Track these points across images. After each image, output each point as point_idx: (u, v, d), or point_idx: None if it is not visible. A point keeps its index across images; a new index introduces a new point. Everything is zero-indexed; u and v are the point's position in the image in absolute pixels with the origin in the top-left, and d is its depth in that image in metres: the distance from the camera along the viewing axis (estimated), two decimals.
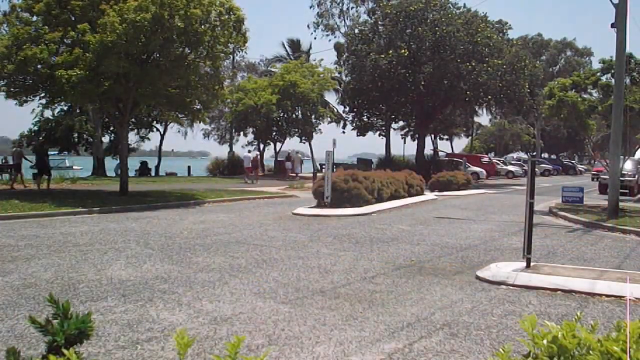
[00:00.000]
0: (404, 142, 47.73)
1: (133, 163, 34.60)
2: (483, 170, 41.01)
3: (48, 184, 19.97)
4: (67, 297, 6.01)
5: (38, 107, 28.61)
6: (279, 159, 43.20)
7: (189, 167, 41.75)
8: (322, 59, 50.77)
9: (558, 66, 65.45)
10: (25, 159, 22.85)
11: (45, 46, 16.61)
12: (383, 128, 42.96)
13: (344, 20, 48.48)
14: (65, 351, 1.46)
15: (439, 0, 35.58)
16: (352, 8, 47.91)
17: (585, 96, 21.98)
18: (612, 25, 15.30)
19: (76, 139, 39.45)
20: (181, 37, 16.80)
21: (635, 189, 25.45)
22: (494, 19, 38.47)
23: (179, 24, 16.25)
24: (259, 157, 36.12)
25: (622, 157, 17.40)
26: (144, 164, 40.77)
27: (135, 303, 5.99)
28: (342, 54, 46.05)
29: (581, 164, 67.93)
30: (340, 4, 47.95)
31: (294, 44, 50.72)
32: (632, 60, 19.77)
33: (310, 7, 48.16)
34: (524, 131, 70.71)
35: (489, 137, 75.39)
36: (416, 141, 41.61)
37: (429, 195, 22.13)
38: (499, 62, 33.70)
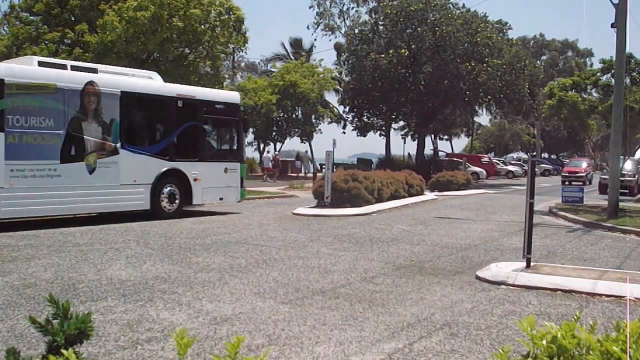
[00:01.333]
0: (404, 142, 47.77)
1: None
2: (483, 170, 41.03)
3: None
4: (67, 297, 6.01)
5: None
6: (280, 158, 43.27)
7: None
8: (322, 59, 50.87)
9: (560, 66, 65.46)
10: None
11: (45, 46, 16.65)
12: (383, 128, 42.97)
13: (344, 21, 48.51)
14: (64, 351, 1.46)
15: (439, 0, 35.60)
16: (352, 8, 47.95)
17: (585, 96, 22.01)
18: (612, 25, 15.31)
19: None
20: (181, 37, 16.83)
21: (635, 189, 25.45)
22: (494, 19, 38.53)
23: (178, 24, 16.28)
24: (279, 157, 36.83)
25: (622, 157, 17.41)
26: None
27: (135, 303, 5.99)
28: (342, 54, 46.07)
29: None
30: (340, 4, 47.98)
31: (296, 43, 50.71)
32: (632, 60, 19.79)
33: (310, 8, 48.11)
34: (524, 131, 70.72)
35: (489, 137, 75.39)
36: (416, 141, 41.63)
37: (429, 195, 22.14)
38: (499, 62, 33.71)
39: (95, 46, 16.12)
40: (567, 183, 32.71)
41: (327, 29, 48.57)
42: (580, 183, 32.73)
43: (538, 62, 52.01)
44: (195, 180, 14.25)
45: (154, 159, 13.65)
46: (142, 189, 13.32)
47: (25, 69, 12.12)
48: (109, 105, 12.93)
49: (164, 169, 13.75)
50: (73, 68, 13.09)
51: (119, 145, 13.07)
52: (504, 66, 34.03)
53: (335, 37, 49.23)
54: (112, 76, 13.50)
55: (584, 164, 37.76)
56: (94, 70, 13.42)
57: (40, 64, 12.60)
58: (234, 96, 16.29)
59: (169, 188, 13.87)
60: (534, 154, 58.11)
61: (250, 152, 42.62)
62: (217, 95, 15.80)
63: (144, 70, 15.60)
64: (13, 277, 7.12)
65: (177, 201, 14.09)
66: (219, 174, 14.91)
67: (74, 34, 16.92)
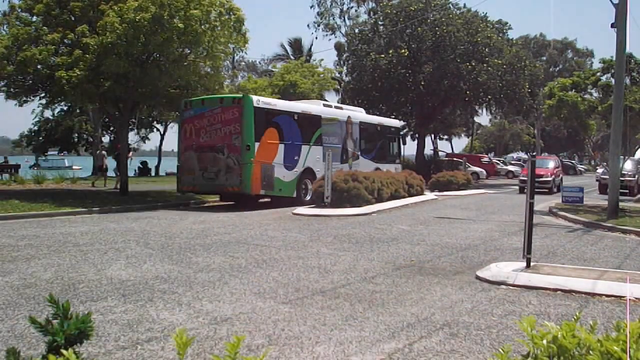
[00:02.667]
0: (404, 142, 47.74)
1: (133, 163, 34.62)
2: (483, 170, 41.03)
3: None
4: (67, 297, 6.01)
5: (38, 107, 28.65)
6: None
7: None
8: (322, 59, 50.80)
9: (559, 67, 65.48)
10: (105, 161, 26.20)
11: (44, 47, 16.61)
12: None
13: (345, 20, 48.50)
14: (64, 351, 1.46)
15: (439, 0, 35.59)
16: (352, 7, 47.93)
17: (585, 96, 22.00)
18: (612, 25, 15.30)
19: (76, 139, 39.49)
20: (181, 38, 16.79)
21: (635, 189, 25.45)
22: (494, 19, 38.53)
23: (178, 24, 16.24)
24: None
25: (622, 157, 17.40)
26: (144, 164, 40.74)
27: (135, 303, 5.99)
28: (342, 54, 46.07)
29: (581, 164, 67.96)
30: (341, 4, 47.94)
31: (295, 43, 50.69)
32: (632, 60, 19.77)
33: (311, 7, 48.10)
34: (524, 131, 70.75)
35: (489, 137, 75.39)
36: (416, 141, 41.64)
37: (429, 195, 22.13)
38: (499, 62, 33.69)
39: (95, 48, 16.09)
40: (525, 191, 23.64)
41: (328, 29, 48.56)
42: (546, 190, 24.84)
43: (538, 62, 52.00)
44: None
45: (370, 162, 22.29)
46: None
47: (325, 109, 20.70)
48: (354, 129, 21.44)
49: (374, 168, 21.69)
50: (335, 107, 22.01)
51: (359, 153, 21.74)
52: (504, 66, 34.01)
53: (336, 37, 49.25)
54: (351, 112, 22.22)
55: (551, 164, 28.41)
56: (341, 107, 22.36)
57: (324, 105, 21.58)
58: (398, 123, 27.11)
59: None
60: (534, 154, 58.07)
61: None
62: (391, 122, 25.74)
63: (357, 107, 25.33)
64: (13, 277, 7.12)
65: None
66: (392, 170, 22.43)
67: (74, 35, 16.86)
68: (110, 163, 38.83)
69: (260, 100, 17.34)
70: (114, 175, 33.82)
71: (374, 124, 23.62)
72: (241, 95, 17.57)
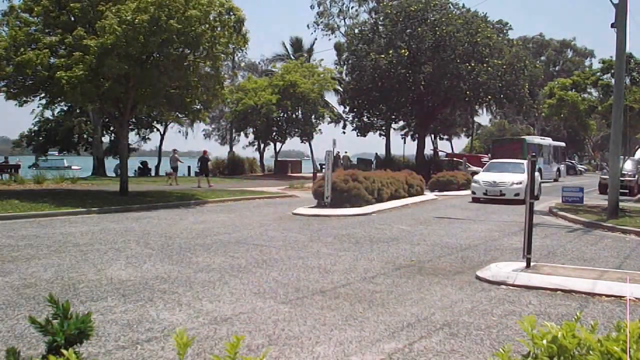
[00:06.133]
0: (404, 142, 47.70)
1: (133, 163, 34.64)
2: None
3: (208, 182, 25.28)
4: (67, 297, 6.01)
5: (38, 107, 28.61)
6: (278, 158, 43.39)
7: (188, 167, 41.75)
8: (322, 59, 50.72)
9: (558, 67, 65.45)
10: (180, 161, 28.69)
11: (41, 51, 16.53)
12: (383, 128, 42.97)
13: (344, 20, 48.46)
14: (64, 351, 1.46)
15: (439, 0, 35.60)
16: (352, 7, 47.87)
17: (585, 96, 22.04)
18: (612, 25, 15.30)
19: (76, 139, 39.49)
20: (180, 38, 16.76)
21: (635, 189, 25.43)
22: (494, 19, 38.54)
23: (175, 25, 16.17)
24: (340, 155, 37.47)
25: (622, 157, 17.40)
26: (144, 164, 40.71)
27: (135, 303, 5.99)
28: (342, 54, 46.04)
29: (581, 164, 67.95)
30: (340, 3, 47.87)
31: (296, 43, 50.67)
32: (632, 60, 19.79)
33: (311, 7, 47.99)
34: (524, 131, 70.67)
35: (489, 137, 75.31)
36: (416, 141, 41.64)
37: (429, 195, 22.13)
38: (499, 62, 33.71)
39: (95, 49, 16.05)
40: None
41: (327, 29, 48.52)
42: None
43: (538, 62, 52.00)
44: (559, 172, 40.10)
45: (556, 164, 40.01)
46: (550, 178, 38.03)
47: (541, 140, 40.41)
48: (551, 148, 39.84)
49: (556, 168, 39.44)
50: (541, 138, 41.38)
51: (554, 161, 39.93)
52: (504, 66, 34.03)
53: (335, 37, 49.19)
54: (548, 140, 41.40)
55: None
56: (544, 138, 41.83)
57: (540, 138, 41.55)
58: (563, 144, 45.00)
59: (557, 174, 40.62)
60: (534, 154, 58.09)
61: (250, 152, 42.61)
62: (560, 144, 43.03)
63: (547, 137, 43.01)
64: (13, 277, 7.12)
65: (560, 178, 39.86)
66: (562, 168, 41.30)
67: (72, 38, 16.81)
68: (110, 163, 38.87)
69: (528, 139, 36.96)
70: (115, 175, 33.92)
71: (555, 145, 41.20)
72: (524, 137, 38.31)
